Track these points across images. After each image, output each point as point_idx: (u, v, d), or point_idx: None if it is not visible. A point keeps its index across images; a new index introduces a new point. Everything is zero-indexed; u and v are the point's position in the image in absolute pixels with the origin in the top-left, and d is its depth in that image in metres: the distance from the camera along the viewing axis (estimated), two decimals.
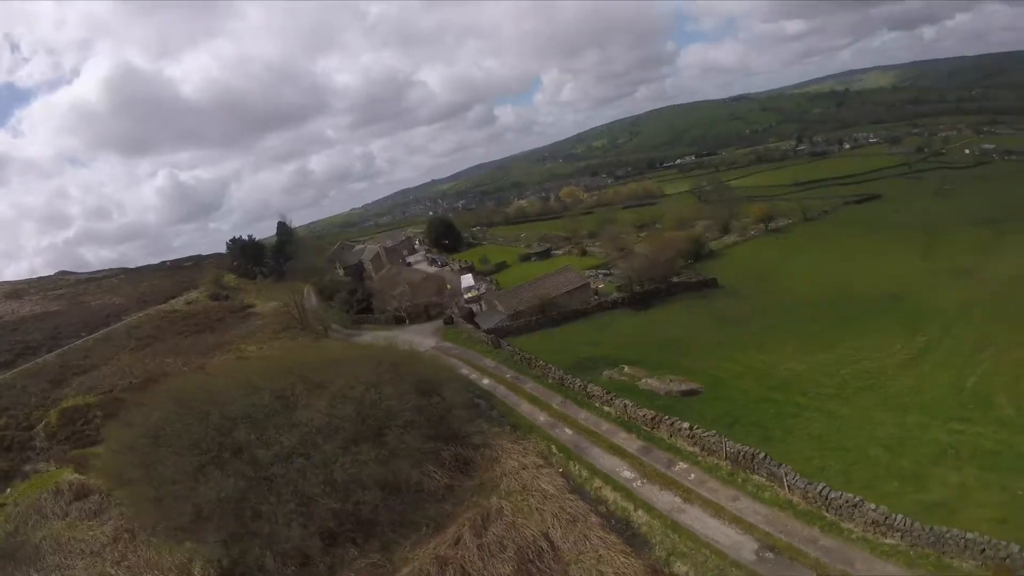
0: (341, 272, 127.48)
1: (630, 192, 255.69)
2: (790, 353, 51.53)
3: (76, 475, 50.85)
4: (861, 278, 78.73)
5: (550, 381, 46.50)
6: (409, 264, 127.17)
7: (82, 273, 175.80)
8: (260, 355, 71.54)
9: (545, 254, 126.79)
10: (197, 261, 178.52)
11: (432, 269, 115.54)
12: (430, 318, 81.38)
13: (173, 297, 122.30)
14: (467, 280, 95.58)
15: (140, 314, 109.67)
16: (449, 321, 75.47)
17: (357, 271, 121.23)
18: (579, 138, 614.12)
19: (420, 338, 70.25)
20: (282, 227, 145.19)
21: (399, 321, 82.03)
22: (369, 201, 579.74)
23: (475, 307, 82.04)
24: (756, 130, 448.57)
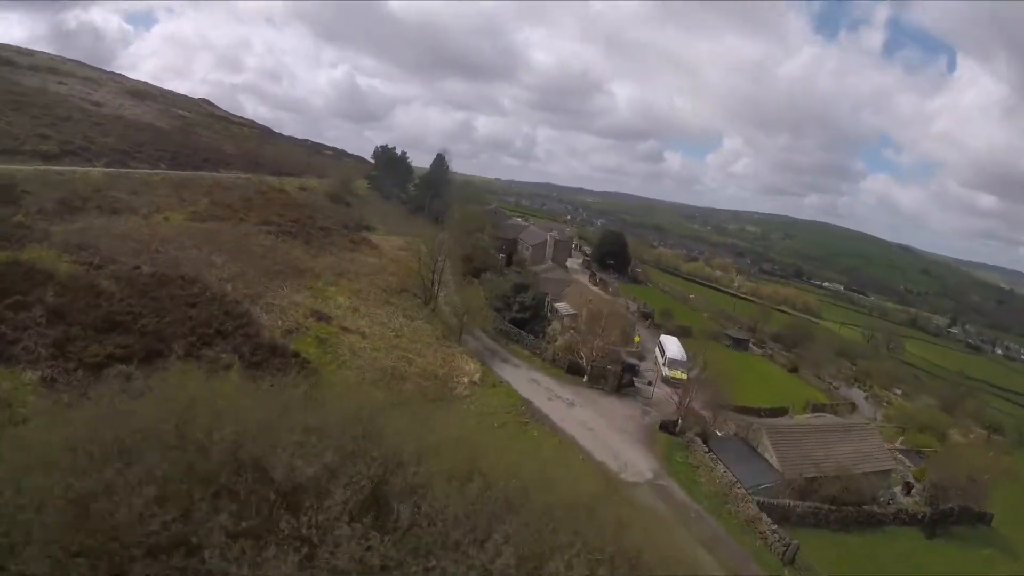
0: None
1: (787, 297, 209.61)
2: None
3: None
4: None
5: None
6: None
7: (222, 110, 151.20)
8: (352, 329, 38.01)
9: (742, 344, 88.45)
10: (339, 154, 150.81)
11: (604, 295, 78.96)
12: (620, 386, 45.47)
13: (290, 175, 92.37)
14: (674, 347, 59.12)
15: (238, 175, 79.70)
16: (671, 427, 39.62)
17: (509, 249, 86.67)
18: (735, 215, 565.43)
19: (618, 441, 34.61)
20: (439, 161, 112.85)
21: (574, 370, 46.16)
22: (515, 179, 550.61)
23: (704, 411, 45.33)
24: (911, 290, 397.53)
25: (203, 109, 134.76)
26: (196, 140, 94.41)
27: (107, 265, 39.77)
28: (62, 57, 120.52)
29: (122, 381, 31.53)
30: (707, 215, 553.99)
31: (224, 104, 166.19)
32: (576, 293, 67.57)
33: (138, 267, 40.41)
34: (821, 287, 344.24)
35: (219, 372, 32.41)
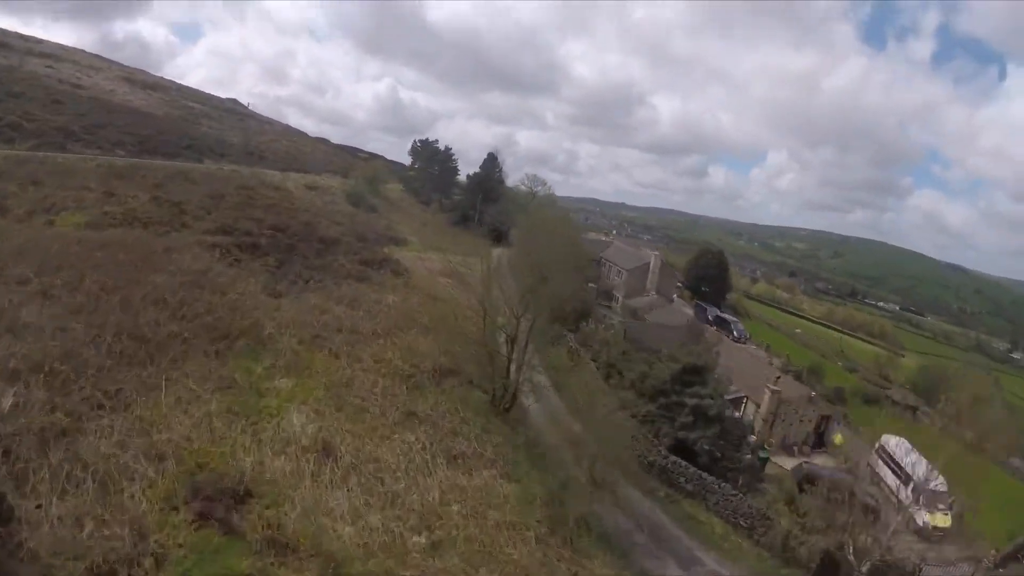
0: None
1: (863, 323, 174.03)
2: None
3: None
4: None
5: None
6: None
7: (248, 109, 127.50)
8: (290, 548, 10.80)
9: (911, 413, 58.94)
10: (374, 156, 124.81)
11: (732, 344, 50.64)
12: None
13: (303, 172, 67.15)
14: (917, 463, 29.53)
15: (224, 166, 54.70)
16: None
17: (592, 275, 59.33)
18: (780, 231, 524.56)
19: None
20: (491, 160, 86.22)
21: (826, 570, 18.11)
22: (556, 194, 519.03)
23: None
24: (964, 310, 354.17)
25: (225, 105, 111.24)
26: (190, 129, 70.13)
27: None
28: (80, 49, 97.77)
29: None
30: (752, 231, 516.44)
31: (269, 114, 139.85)
32: (726, 352, 39.94)
33: None
34: (877, 307, 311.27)
35: None
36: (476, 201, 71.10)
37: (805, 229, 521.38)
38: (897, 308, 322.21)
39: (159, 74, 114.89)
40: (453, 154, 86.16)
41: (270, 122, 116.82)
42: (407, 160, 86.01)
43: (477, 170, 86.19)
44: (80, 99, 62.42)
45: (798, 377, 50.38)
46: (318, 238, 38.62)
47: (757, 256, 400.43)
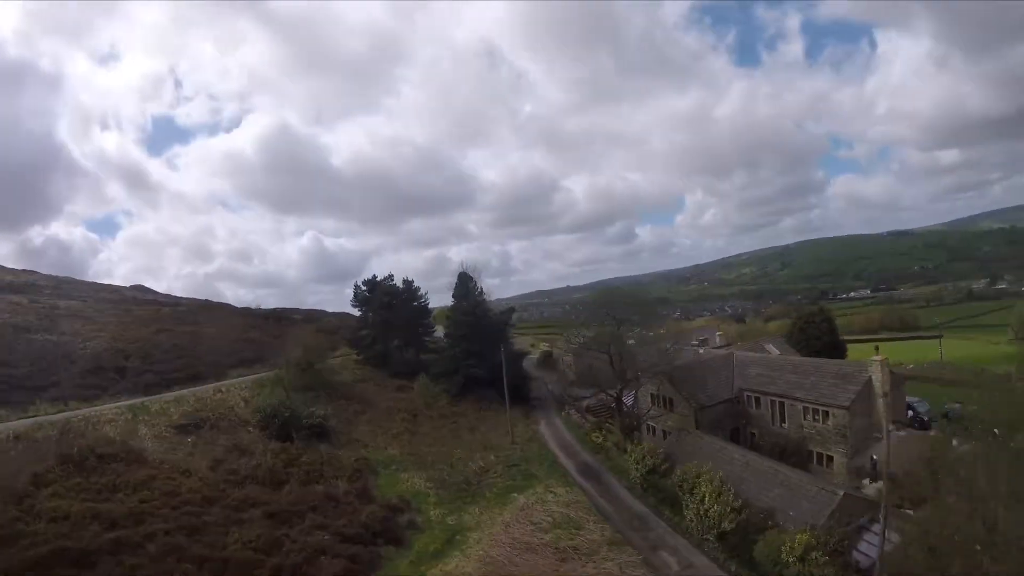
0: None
1: (880, 321, 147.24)
2: None
3: None
4: None
5: None
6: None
7: (154, 292, 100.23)
8: None
9: None
10: (311, 317, 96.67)
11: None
12: None
13: (187, 381, 40.51)
14: None
15: (36, 413, 27.93)
16: None
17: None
18: (724, 263, 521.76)
19: None
20: (464, 284, 59.95)
21: None
22: (500, 297, 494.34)
23: None
24: (926, 267, 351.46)
25: (119, 295, 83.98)
26: (21, 349, 43.36)
27: None
28: None
29: None
30: (697, 273, 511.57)
31: (201, 293, 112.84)
32: None
33: None
34: (849, 299, 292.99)
35: None
36: (486, 356, 45.90)
37: (746, 252, 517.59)
38: (868, 292, 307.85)
39: (69, 274, 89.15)
40: (418, 288, 61.43)
41: (176, 302, 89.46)
42: (351, 306, 61.08)
43: (452, 301, 60.11)
44: None
45: None
46: None
47: (715, 293, 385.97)
